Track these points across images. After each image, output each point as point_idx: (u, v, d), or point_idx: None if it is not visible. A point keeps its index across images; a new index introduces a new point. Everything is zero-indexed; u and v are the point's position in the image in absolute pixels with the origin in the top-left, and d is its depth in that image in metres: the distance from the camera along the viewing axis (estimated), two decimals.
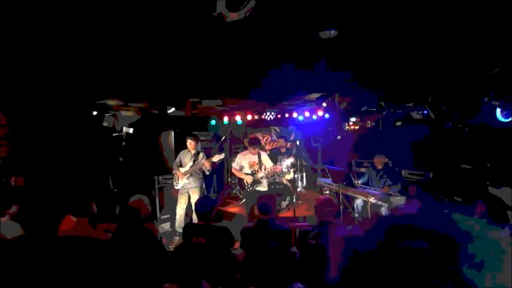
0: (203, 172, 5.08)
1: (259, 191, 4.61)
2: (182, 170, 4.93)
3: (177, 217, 5.04)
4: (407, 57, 3.27)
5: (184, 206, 5.00)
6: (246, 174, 4.70)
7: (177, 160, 5.09)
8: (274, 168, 4.68)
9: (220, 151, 5.61)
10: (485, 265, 0.40)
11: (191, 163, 4.94)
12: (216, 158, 4.88)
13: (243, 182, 4.76)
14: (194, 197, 4.94)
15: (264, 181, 4.72)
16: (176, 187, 5.03)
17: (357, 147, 6.91)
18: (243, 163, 4.74)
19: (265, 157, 4.73)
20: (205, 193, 5.30)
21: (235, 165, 4.84)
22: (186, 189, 4.97)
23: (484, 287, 0.39)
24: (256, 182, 4.66)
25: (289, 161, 5.10)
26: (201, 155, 5.06)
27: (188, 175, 4.92)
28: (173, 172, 5.06)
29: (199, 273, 2.40)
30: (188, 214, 5.04)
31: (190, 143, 5.00)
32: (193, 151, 5.02)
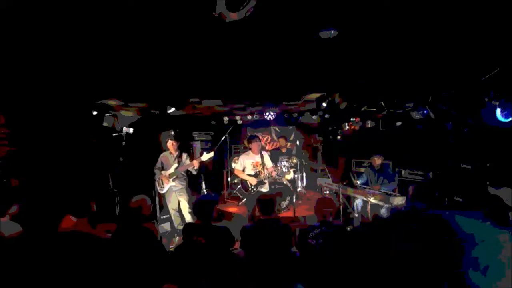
0: (189, 173, 4.97)
1: (261, 192, 4.54)
2: (166, 173, 4.80)
3: (172, 218, 5.00)
4: (407, 57, 3.27)
5: (175, 206, 4.94)
6: (250, 175, 4.61)
7: (158, 163, 4.94)
8: (273, 169, 4.62)
9: (211, 150, 5.52)
10: (489, 269, 0.40)
11: (175, 165, 4.81)
12: (206, 157, 4.78)
13: (247, 183, 4.62)
14: (182, 200, 4.88)
15: (266, 182, 4.66)
16: (161, 192, 4.91)
17: (357, 147, 6.92)
18: (246, 163, 4.64)
19: (266, 157, 4.67)
20: (190, 194, 5.22)
21: (238, 166, 4.72)
22: (173, 191, 4.88)
23: None
24: (260, 183, 4.58)
25: (294, 160, 5.07)
26: (184, 155, 4.93)
27: (174, 177, 4.81)
28: (156, 176, 4.92)
29: (199, 273, 2.41)
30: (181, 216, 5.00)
31: (172, 144, 4.87)
32: (175, 153, 4.90)
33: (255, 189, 4.59)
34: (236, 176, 6.87)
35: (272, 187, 5.30)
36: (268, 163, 4.64)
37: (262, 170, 4.56)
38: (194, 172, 4.96)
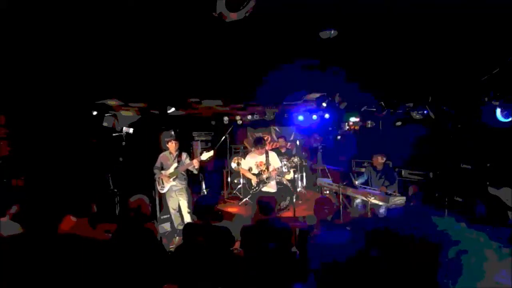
0: (189, 172, 4.99)
1: (266, 192, 4.55)
2: (167, 172, 4.82)
3: (172, 217, 5.01)
4: (407, 57, 3.27)
5: (176, 206, 4.96)
6: (253, 174, 4.66)
7: (158, 163, 4.97)
8: (279, 169, 4.63)
9: (211, 149, 5.52)
10: (465, 272, 0.39)
11: (175, 165, 4.83)
12: (205, 156, 4.79)
13: (250, 182, 4.70)
14: (183, 200, 4.90)
15: (272, 182, 4.65)
16: (161, 191, 4.93)
17: (357, 147, 6.92)
18: (251, 163, 4.69)
19: (273, 156, 4.67)
20: (190, 193, 5.24)
21: (244, 165, 4.80)
22: (173, 191, 4.90)
23: None
24: (262, 182, 4.60)
25: (294, 159, 5.08)
26: (184, 155, 4.95)
27: (174, 177, 4.82)
28: (155, 176, 4.95)
29: (199, 273, 2.41)
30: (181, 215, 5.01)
31: (174, 143, 4.90)
32: (175, 153, 4.93)
33: (257, 188, 4.62)
34: (236, 176, 6.89)
35: None
36: (275, 162, 4.65)
37: (265, 170, 4.58)
38: (195, 172, 4.97)
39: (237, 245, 2.91)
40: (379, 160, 5.01)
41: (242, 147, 7.86)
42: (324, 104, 5.44)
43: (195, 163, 4.77)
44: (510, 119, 3.50)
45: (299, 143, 7.72)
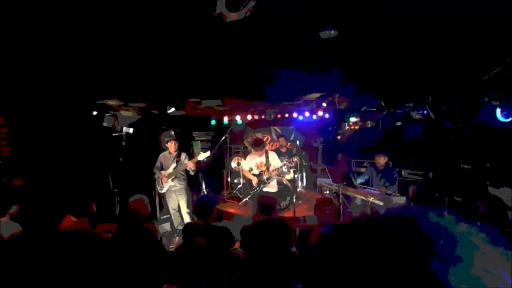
0: (187, 173, 5.01)
1: (267, 192, 4.59)
2: (165, 172, 4.85)
3: (172, 217, 5.02)
4: (407, 57, 3.26)
5: (175, 206, 4.97)
6: (254, 175, 4.70)
7: (158, 163, 5.00)
8: (280, 169, 4.66)
9: (211, 150, 5.53)
10: (455, 260, 0.39)
11: (174, 165, 4.86)
12: (202, 156, 4.83)
13: (251, 183, 4.73)
14: (182, 200, 4.91)
15: (272, 182, 4.69)
16: (161, 191, 4.96)
17: (357, 147, 6.92)
18: (251, 164, 4.73)
19: (273, 157, 4.70)
20: (190, 194, 5.26)
21: (245, 167, 4.84)
22: (172, 191, 4.92)
23: (455, 284, 0.39)
24: (262, 182, 4.63)
25: (294, 159, 5.10)
26: (183, 155, 4.98)
27: (173, 177, 4.85)
28: (155, 176, 4.98)
29: (199, 273, 2.40)
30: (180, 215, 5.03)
31: (173, 144, 4.94)
32: (174, 153, 4.97)
33: (258, 189, 4.65)
34: (236, 176, 6.89)
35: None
36: (275, 162, 4.67)
37: (266, 170, 4.60)
38: (192, 173, 4.99)
39: (237, 245, 2.90)
40: (382, 160, 4.97)
41: (242, 147, 7.85)
42: (324, 104, 5.45)
43: (190, 164, 4.78)
44: (510, 119, 3.50)
45: (299, 143, 7.71)
